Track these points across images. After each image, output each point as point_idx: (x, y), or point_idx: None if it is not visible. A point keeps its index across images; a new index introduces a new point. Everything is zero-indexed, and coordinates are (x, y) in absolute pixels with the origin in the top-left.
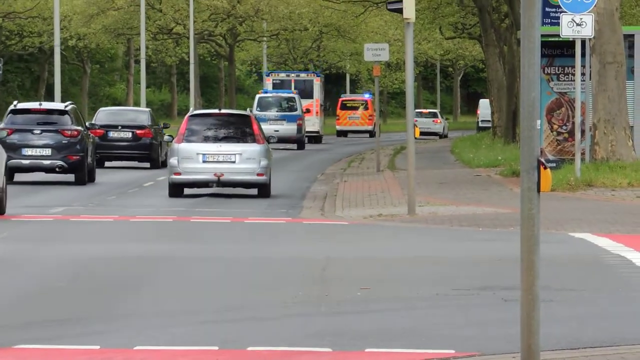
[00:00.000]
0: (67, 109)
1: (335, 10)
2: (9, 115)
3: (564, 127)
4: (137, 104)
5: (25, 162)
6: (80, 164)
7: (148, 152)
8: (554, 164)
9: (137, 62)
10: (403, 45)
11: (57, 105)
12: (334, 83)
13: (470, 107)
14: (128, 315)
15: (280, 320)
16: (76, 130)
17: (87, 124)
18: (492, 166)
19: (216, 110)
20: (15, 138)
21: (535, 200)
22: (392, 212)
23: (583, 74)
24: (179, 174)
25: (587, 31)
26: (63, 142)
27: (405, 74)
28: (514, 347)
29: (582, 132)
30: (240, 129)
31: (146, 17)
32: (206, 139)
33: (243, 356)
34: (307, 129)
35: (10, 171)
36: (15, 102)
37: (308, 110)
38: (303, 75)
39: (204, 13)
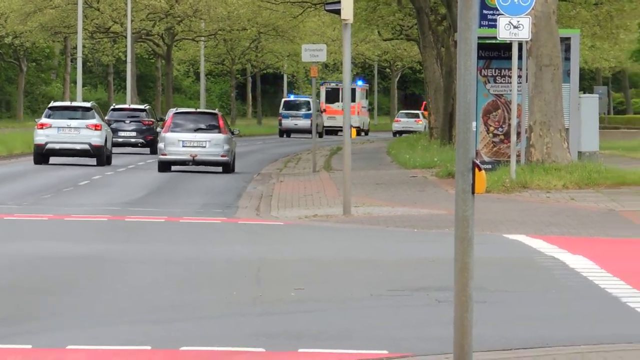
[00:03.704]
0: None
1: (274, 10)
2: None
3: (500, 129)
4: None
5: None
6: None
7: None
8: (490, 166)
9: (74, 60)
10: (341, 46)
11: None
12: (271, 83)
13: (408, 108)
14: (61, 315)
15: (214, 321)
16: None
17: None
18: (428, 167)
19: (193, 109)
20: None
21: (470, 202)
22: (328, 213)
23: (520, 77)
24: (165, 154)
25: (524, 34)
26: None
27: (343, 74)
28: (447, 347)
29: (518, 134)
30: (210, 123)
31: (84, 16)
32: (185, 130)
33: (176, 356)
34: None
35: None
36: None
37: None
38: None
39: (142, 12)
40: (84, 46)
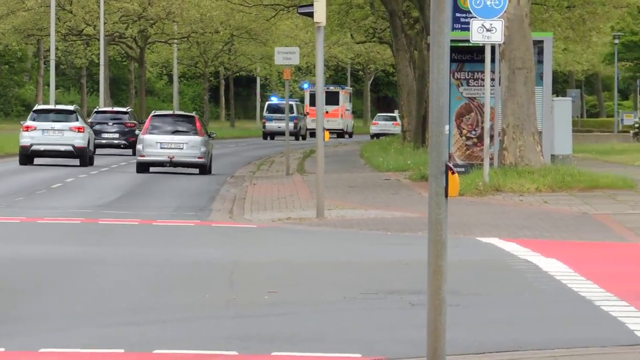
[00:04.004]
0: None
1: (247, 13)
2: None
3: (473, 132)
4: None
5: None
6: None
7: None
8: (463, 169)
9: (47, 63)
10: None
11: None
12: (244, 86)
13: (381, 111)
14: (34, 317)
15: (187, 324)
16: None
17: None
18: (401, 170)
19: (171, 112)
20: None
21: (443, 205)
22: (301, 216)
23: (493, 80)
24: (144, 156)
25: (497, 37)
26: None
27: (316, 77)
28: (421, 351)
29: (491, 137)
30: (187, 125)
31: (56, 18)
32: (163, 132)
33: (149, 359)
34: (333, 127)
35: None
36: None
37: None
38: (332, 88)
39: (115, 15)
40: (56, 49)
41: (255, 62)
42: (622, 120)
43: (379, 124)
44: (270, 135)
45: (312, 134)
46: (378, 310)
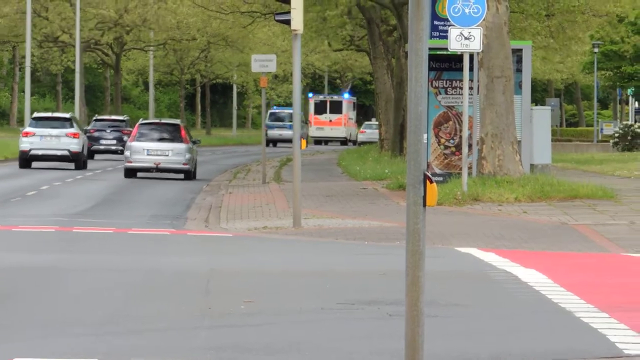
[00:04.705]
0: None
1: (224, 20)
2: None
3: (452, 141)
4: (21, 112)
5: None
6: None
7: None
8: (441, 178)
9: (22, 69)
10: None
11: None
12: (220, 94)
13: (357, 118)
14: (6, 326)
15: (162, 333)
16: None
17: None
18: (378, 179)
19: (157, 120)
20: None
21: (421, 215)
22: (277, 225)
23: (471, 88)
24: (131, 162)
25: (476, 45)
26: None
27: (293, 85)
28: None
29: (470, 146)
30: (173, 133)
31: (32, 25)
32: (150, 139)
33: None
34: (336, 135)
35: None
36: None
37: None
38: (335, 98)
39: (91, 22)
40: (32, 55)
41: (231, 70)
42: (601, 129)
43: (367, 132)
44: (272, 142)
45: (317, 141)
46: (355, 320)
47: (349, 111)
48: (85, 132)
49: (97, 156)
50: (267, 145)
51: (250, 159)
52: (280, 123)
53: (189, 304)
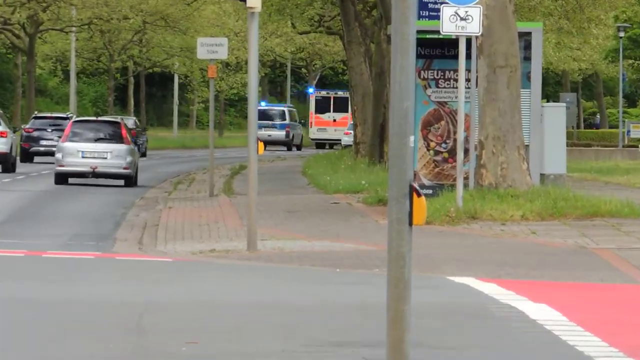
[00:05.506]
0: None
1: None
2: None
3: (444, 145)
4: None
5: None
6: None
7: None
8: (431, 191)
9: None
10: (245, 40)
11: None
12: (158, 86)
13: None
14: None
15: None
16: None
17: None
18: (353, 192)
19: (94, 118)
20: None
21: (407, 235)
22: (228, 247)
23: (468, 80)
24: (63, 166)
25: (474, 27)
26: None
27: (248, 75)
28: None
29: (466, 151)
30: (112, 133)
31: None
32: (85, 139)
33: None
34: (340, 137)
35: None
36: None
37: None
38: (340, 94)
39: None
40: None
41: (172, 56)
42: (628, 132)
43: (352, 134)
44: None
45: (319, 144)
46: None
47: None
48: (15, 130)
49: (37, 158)
50: None
51: (195, 165)
52: (269, 122)
53: (117, 344)
